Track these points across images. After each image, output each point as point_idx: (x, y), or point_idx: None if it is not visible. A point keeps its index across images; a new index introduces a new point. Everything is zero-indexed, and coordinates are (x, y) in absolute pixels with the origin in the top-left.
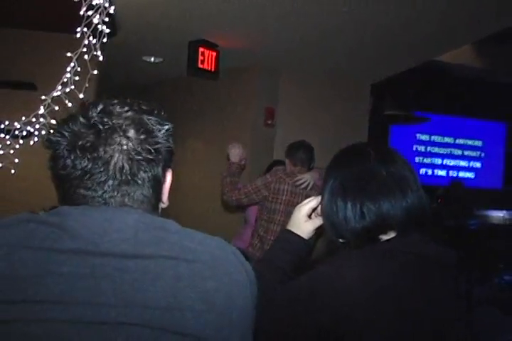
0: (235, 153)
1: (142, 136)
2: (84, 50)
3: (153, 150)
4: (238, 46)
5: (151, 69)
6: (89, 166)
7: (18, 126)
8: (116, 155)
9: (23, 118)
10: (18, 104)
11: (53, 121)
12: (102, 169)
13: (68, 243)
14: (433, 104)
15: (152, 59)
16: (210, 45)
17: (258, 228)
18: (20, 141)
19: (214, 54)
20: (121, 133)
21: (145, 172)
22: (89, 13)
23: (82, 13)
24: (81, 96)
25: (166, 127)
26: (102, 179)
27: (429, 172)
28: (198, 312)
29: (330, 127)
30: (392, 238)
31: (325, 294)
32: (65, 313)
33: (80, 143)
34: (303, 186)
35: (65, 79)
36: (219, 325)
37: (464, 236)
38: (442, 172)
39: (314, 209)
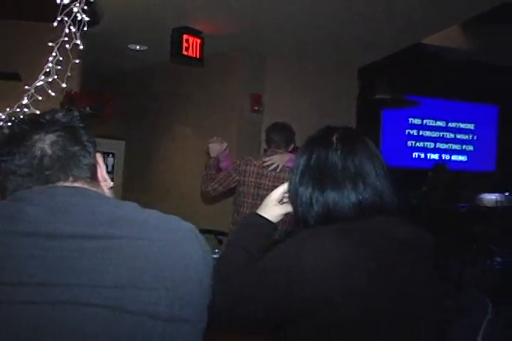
0: (215, 149)
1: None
2: (66, 39)
3: (79, 141)
4: (223, 32)
5: (137, 57)
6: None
7: (3, 117)
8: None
9: (8, 109)
10: (3, 94)
11: (38, 112)
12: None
13: (24, 226)
14: (424, 88)
15: (137, 47)
16: (195, 32)
17: (233, 213)
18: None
19: (198, 41)
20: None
21: (78, 156)
22: (66, 1)
23: (58, 1)
24: (64, 85)
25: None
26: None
27: (422, 156)
28: (150, 289)
29: (318, 112)
30: (357, 219)
31: (291, 273)
32: (18, 295)
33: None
34: (270, 168)
35: (48, 69)
36: (171, 302)
37: (452, 219)
38: (435, 156)
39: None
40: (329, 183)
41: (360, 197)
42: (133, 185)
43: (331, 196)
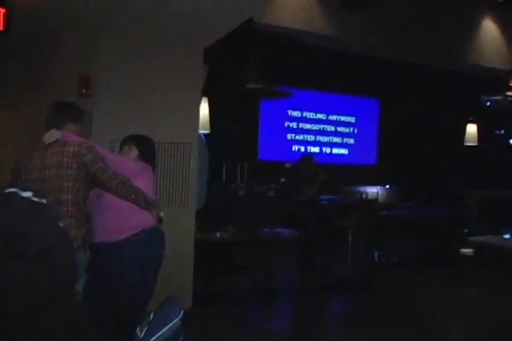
0: None
1: None
2: None
3: None
4: (40, 3)
5: None
6: None
7: None
8: None
9: None
10: None
11: None
12: None
13: None
14: (300, 79)
15: None
16: None
17: None
18: None
19: (2, 11)
20: None
21: None
22: None
23: None
24: None
25: None
26: None
27: (302, 149)
28: None
29: (159, 96)
30: None
31: None
32: None
33: None
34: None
35: None
36: None
37: (313, 211)
38: (315, 149)
39: None
40: None
41: None
42: None
43: None
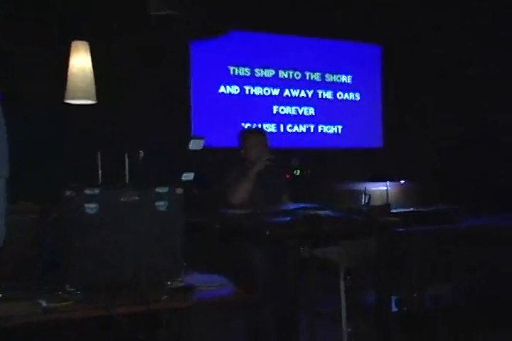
0: None
1: None
2: None
3: None
4: None
5: None
6: None
7: None
8: None
9: None
10: None
11: None
12: None
13: None
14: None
15: None
16: None
17: None
18: None
19: None
20: None
21: None
22: None
23: None
24: None
25: None
26: None
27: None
28: None
29: None
30: None
31: None
32: None
33: None
34: None
35: None
36: None
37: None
38: (296, 130)
39: None
40: None
41: None
42: None
43: None
